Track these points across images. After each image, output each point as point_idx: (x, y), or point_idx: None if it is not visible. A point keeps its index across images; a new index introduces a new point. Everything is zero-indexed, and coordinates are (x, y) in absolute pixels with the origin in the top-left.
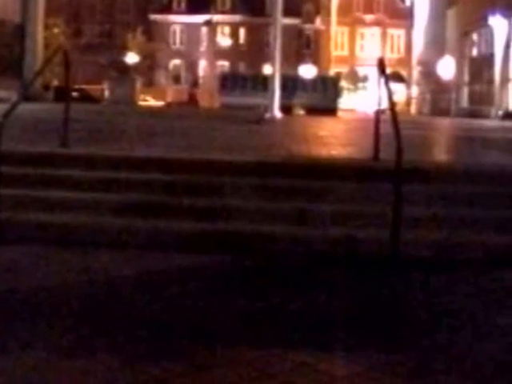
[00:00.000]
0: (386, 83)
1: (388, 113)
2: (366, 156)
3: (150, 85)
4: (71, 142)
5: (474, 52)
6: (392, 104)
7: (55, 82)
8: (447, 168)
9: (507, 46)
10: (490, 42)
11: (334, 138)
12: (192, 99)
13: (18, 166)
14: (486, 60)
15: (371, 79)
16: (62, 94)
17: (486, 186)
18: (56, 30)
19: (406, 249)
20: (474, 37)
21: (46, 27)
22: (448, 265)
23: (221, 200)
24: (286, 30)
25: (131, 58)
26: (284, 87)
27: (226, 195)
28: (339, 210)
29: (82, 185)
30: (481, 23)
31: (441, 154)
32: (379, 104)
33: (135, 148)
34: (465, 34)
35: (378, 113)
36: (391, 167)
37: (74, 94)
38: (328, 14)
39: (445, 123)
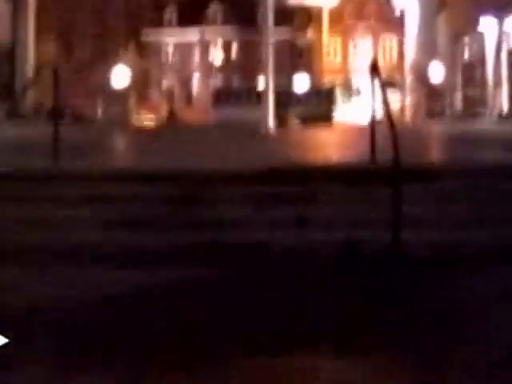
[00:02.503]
0: (379, 80)
1: (383, 121)
2: (363, 159)
3: (143, 103)
4: (62, 157)
5: (466, 56)
6: (386, 102)
7: (47, 103)
8: (444, 167)
9: (498, 49)
10: (481, 46)
11: (330, 144)
12: (171, 116)
13: (6, 182)
14: (479, 63)
15: (365, 87)
16: (54, 114)
17: (484, 183)
18: (47, 50)
19: (407, 249)
20: (466, 41)
21: (38, 49)
22: (450, 263)
23: (218, 210)
24: (278, 41)
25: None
26: (278, 99)
27: (222, 205)
28: (338, 213)
29: (74, 200)
30: (471, 27)
31: (437, 154)
32: (373, 107)
33: (128, 162)
34: (456, 39)
35: (373, 115)
36: (389, 168)
37: (66, 113)
38: (319, 24)
39: (440, 127)
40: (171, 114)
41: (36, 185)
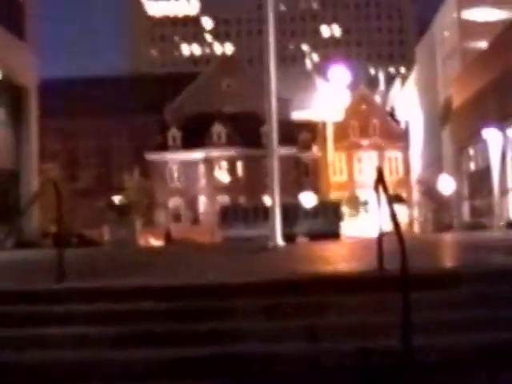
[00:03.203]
0: (386, 191)
1: (391, 233)
2: (371, 268)
3: (150, 224)
4: (67, 277)
5: (472, 166)
6: (393, 214)
7: (53, 229)
8: (453, 272)
9: (503, 158)
10: (485, 156)
11: (338, 257)
12: (168, 237)
13: (12, 304)
14: (484, 173)
15: (372, 202)
16: (59, 232)
17: (492, 287)
18: (52, 176)
19: (419, 356)
20: (470, 151)
21: (41, 173)
22: (462, 368)
23: (228, 323)
24: (284, 159)
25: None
26: (285, 216)
27: (233, 318)
28: (348, 322)
29: (80, 319)
30: (475, 138)
31: (445, 261)
32: (380, 219)
33: (135, 279)
34: (461, 150)
35: (381, 227)
36: (397, 275)
37: (73, 239)
38: (324, 140)
39: (448, 237)
40: (168, 234)
41: (39, 304)
